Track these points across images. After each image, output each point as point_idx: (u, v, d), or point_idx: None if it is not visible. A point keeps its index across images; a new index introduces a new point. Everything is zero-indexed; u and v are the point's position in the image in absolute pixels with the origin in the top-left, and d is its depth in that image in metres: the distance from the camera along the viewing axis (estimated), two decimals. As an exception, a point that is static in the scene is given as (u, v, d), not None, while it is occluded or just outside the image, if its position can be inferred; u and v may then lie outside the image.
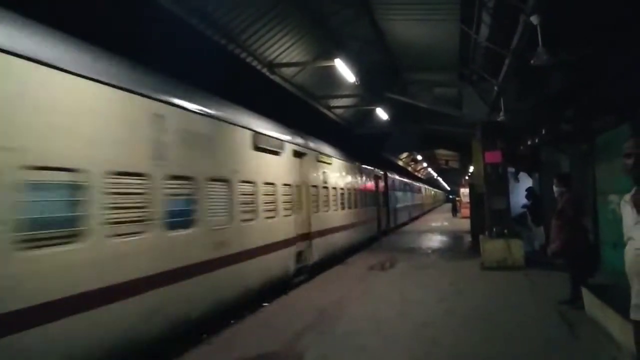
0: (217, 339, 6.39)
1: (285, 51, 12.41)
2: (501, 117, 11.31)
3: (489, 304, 8.01)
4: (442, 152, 37.53)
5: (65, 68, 4.74)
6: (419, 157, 40.48)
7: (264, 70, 12.34)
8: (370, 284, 10.05)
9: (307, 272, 11.25)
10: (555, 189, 7.58)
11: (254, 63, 11.88)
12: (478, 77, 12.37)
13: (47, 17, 5.08)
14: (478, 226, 14.68)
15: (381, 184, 23.09)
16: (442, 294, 8.87)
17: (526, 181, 15.94)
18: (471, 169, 23.92)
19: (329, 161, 14.26)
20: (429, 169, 55.09)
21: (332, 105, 18.05)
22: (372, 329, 6.64)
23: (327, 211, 13.70)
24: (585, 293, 6.89)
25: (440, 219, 35.63)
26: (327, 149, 14.48)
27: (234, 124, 8.34)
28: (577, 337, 5.98)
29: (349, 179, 16.95)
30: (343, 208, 15.64)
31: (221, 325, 6.93)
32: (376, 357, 5.53)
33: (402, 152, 36.47)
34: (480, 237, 12.79)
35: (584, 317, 6.66)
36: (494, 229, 11.94)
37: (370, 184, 20.63)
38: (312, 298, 8.81)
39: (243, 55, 11.33)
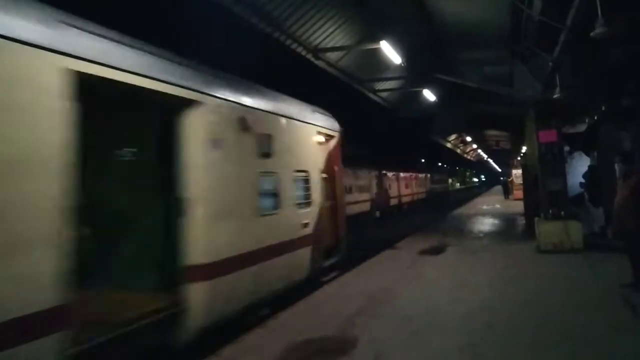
0: (271, 323, 6.51)
1: (329, 35, 12.32)
2: (557, 94, 10.83)
3: (547, 287, 7.76)
4: (491, 133, 36.51)
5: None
6: (468, 139, 39.60)
7: (309, 56, 12.32)
8: (421, 269, 9.94)
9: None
10: (618, 167, 7.22)
11: (299, 49, 11.87)
12: (530, 53, 11.87)
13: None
14: (532, 208, 14.22)
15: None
16: (496, 278, 8.67)
17: (582, 161, 15.26)
18: (524, 149, 23.12)
19: None
20: (479, 150, 53.79)
21: (377, 88, 17.86)
22: (425, 314, 6.57)
23: None
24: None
25: (492, 201, 34.76)
26: None
27: None
28: (643, 322, 5.71)
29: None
30: None
31: (274, 310, 7.04)
32: (430, 342, 5.46)
33: (449, 134, 35.74)
34: (536, 219, 12.37)
35: (650, 301, 6.35)
36: (550, 211, 11.51)
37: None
38: (361, 283, 8.80)
39: (288, 42, 11.34)
